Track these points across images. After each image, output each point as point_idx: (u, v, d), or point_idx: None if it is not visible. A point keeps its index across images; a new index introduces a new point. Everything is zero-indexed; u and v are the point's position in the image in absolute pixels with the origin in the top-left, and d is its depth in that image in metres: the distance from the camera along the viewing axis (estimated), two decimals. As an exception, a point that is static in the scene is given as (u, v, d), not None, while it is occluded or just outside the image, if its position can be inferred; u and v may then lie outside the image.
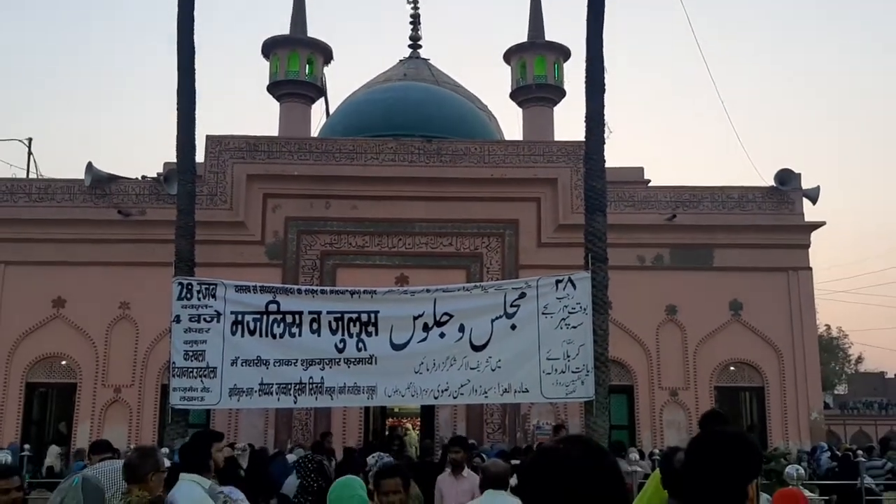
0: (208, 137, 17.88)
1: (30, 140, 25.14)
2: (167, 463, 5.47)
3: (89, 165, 17.85)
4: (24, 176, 22.39)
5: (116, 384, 17.31)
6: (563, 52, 24.22)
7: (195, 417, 13.18)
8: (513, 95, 24.61)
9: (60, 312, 17.50)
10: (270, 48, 23.86)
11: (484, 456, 11.60)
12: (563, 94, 24.36)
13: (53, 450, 16.39)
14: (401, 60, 27.02)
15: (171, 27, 12.79)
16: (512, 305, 9.38)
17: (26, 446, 14.44)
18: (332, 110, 24.75)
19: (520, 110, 24.52)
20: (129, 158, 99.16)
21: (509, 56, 24.66)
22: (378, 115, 21.10)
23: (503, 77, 33.90)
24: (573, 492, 1.86)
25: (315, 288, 12.58)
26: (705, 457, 2.49)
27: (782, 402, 17.83)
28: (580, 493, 1.86)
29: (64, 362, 17.62)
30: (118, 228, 17.50)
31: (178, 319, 9.56)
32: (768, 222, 18.26)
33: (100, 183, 17.87)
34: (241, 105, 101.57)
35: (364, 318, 9.39)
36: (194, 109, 12.70)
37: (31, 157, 29.66)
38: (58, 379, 17.70)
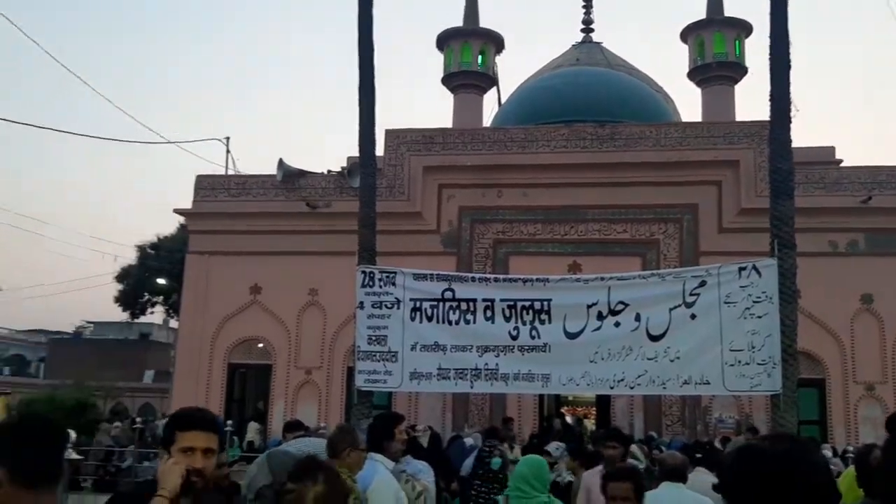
0: (387, 132, 18.57)
1: (227, 139, 27.19)
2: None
3: (280, 162, 19.08)
4: (223, 173, 24.20)
5: (307, 366, 18.47)
6: (745, 28, 23.01)
7: (378, 399, 13.77)
8: (690, 75, 23.70)
9: (257, 299, 18.88)
10: (444, 41, 24.36)
11: (662, 448, 11.37)
12: (744, 71, 23.16)
13: (253, 426, 17.74)
14: (573, 45, 26.75)
15: (351, 26, 13.34)
16: (691, 294, 9.07)
17: (229, 422, 15.71)
18: (504, 99, 24.92)
19: (698, 90, 23.57)
20: (316, 153, 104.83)
21: (687, 34, 23.74)
22: (550, 101, 21.02)
23: (680, 56, 32.69)
24: (781, 490, 1.80)
25: (488, 276, 12.76)
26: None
27: None
28: (788, 491, 1.80)
29: (261, 345, 19.01)
30: (307, 220, 18.60)
31: (361, 306, 9.99)
32: (981, 203, 16.50)
33: (290, 178, 19.06)
34: (418, 98, 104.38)
35: (537, 305, 9.41)
36: (374, 105, 13.19)
37: (229, 154, 32.04)
38: (255, 360, 19.12)
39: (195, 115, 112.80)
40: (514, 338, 9.40)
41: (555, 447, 9.59)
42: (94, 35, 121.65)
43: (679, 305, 9.06)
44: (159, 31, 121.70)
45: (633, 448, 10.04)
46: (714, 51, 22.86)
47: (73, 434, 11.73)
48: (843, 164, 18.58)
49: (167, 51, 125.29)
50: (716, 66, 22.73)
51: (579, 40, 26.89)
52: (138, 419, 19.37)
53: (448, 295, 9.71)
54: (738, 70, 23.06)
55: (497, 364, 9.43)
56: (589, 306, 9.27)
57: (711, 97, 22.80)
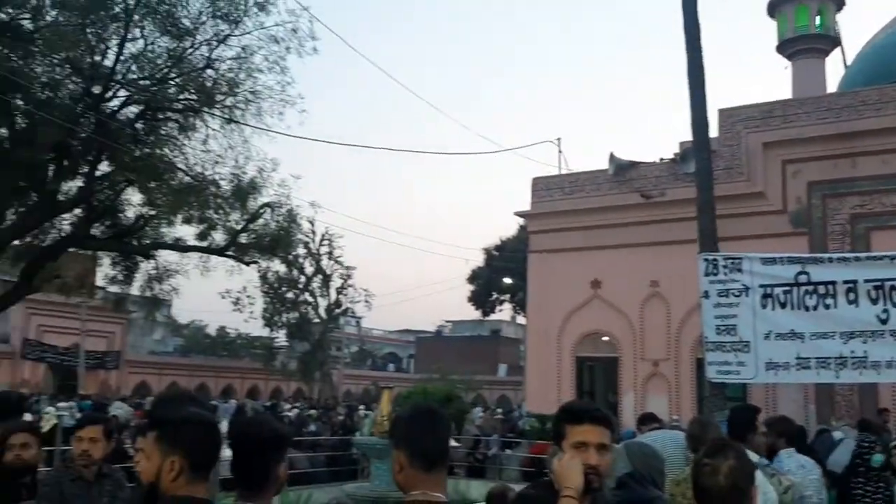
0: (720, 111, 17.89)
1: (559, 140, 28.24)
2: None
3: (611, 155, 19.32)
4: (555, 173, 25.07)
5: (654, 358, 18.43)
6: None
7: (732, 391, 13.33)
8: None
9: (598, 293, 19.28)
10: (776, 6, 22.86)
11: None
12: None
13: (604, 417, 18.14)
14: (932, -15, 23.43)
15: (675, 7, 13.12)
16: None
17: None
18: (850, 60, 22.62)
19: None
20: (646, 143, 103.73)
21: None
22: (908, 54, 18.68)
23: None
24: None
25: (848, 255, 11.79)
26: None
27: None
28: None
29: (605, 338, 19.38)
30: (641, 211, 18.59)
31: (706, 295, 9.79)
32: None
33: (622, 170, 19.21)
34: (749, 72, 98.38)
35: (908, 285, 8.52)
36: (704, 85, 12.85)
37: (561, 154, 33.11)
38: (602, 353, 19.54)
39: (528, 120, 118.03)
40: (884, 322, 8.59)
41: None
42: (428, 55, 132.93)
43: None
44: (487, 45, 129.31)
45: None
46: None
47: (452, 424, 13.06)
48: None
49: (495, 61, 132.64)
50: None
51: (941, -23, 23.49)
52: (498, 410, 20.80)
53: (802, 279, 9.17)
54: None
55: (865, 351, 8.70)
56: (973, 282, 8.16)
57: None
